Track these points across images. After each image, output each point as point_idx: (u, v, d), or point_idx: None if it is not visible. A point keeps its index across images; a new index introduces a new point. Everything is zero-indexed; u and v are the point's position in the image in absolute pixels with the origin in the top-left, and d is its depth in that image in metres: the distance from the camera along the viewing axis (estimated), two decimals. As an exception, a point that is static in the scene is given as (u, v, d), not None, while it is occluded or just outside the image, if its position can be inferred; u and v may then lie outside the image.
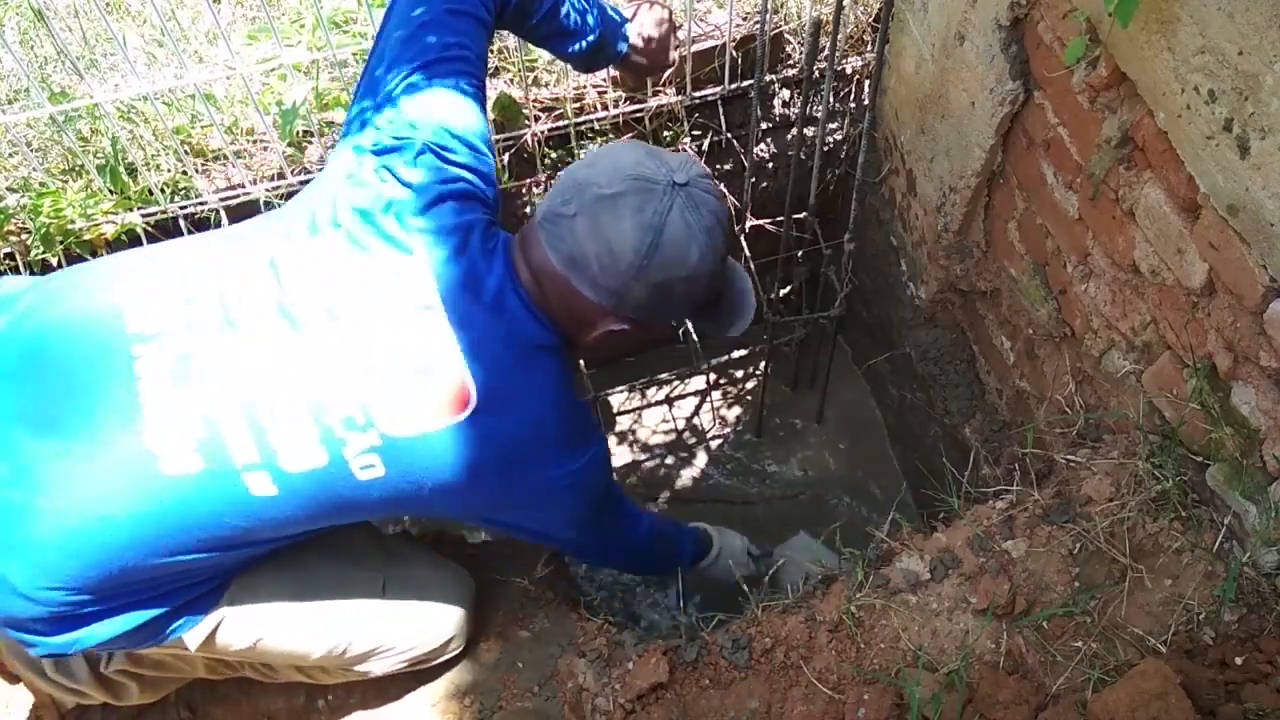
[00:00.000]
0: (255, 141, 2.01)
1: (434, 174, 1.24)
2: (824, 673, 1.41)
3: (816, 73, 1.97)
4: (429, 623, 1.49)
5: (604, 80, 2.08)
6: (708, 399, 2.80)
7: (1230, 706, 1.23)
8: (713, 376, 2.80)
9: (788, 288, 2.43)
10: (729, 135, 2.18)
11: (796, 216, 2.15)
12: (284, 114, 1.87)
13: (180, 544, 1.12)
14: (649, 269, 1.19)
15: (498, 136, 2.02)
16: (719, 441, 2.74)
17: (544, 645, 1.61)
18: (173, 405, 1.09)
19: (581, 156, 2.10)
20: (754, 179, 2.22)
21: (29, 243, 1.85)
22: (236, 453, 1.10)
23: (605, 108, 2.06)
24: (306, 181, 1.94)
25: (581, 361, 2.04)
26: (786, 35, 2.13)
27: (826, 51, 1.88)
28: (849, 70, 2.19)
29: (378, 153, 1.25)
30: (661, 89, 2.10)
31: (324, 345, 1.14)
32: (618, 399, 2.78)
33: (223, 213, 1.94)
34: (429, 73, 1.30)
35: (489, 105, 1.93)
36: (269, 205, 1.94)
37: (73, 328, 1.14)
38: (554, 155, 2.11)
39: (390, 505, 1.23)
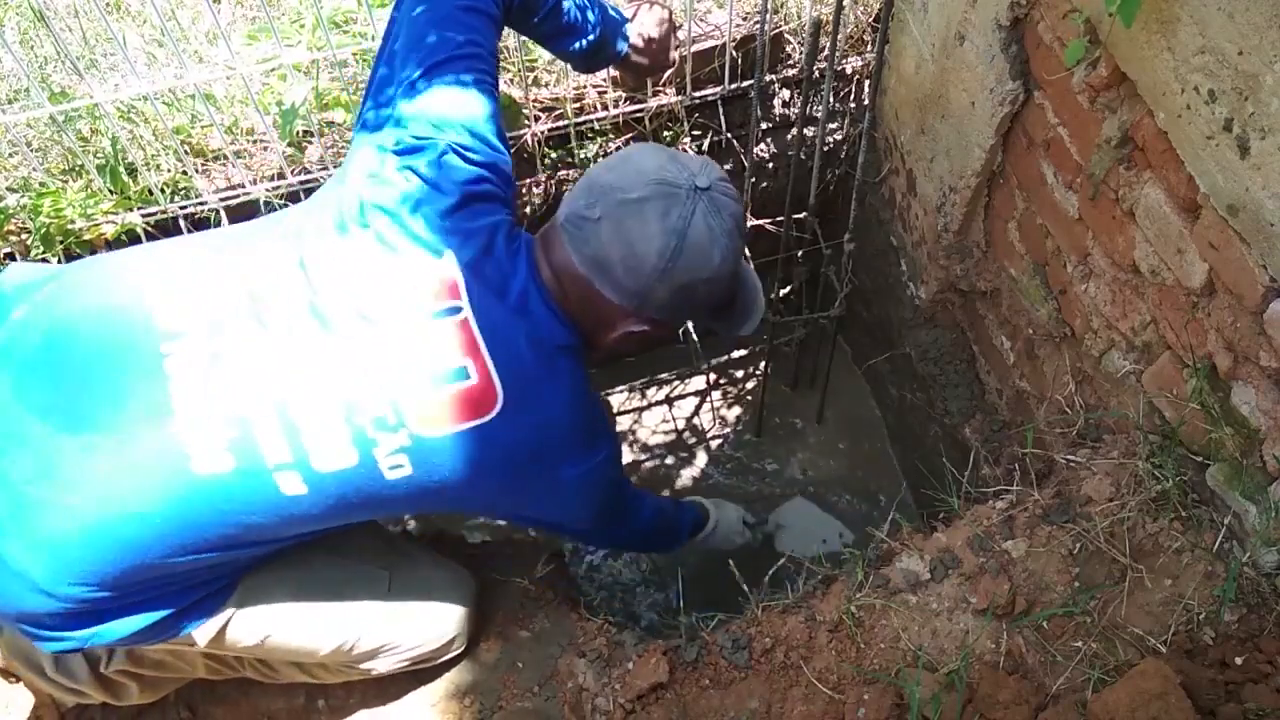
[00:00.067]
0: (255, 141, 2.01)
1: (458, 175, 1.26)
2: (824, 673, 1.41)
3: (816, 73, 1.97)
4: (433, 621, 1.50)
5: (604, 80, 2.08)
6: (708, 399, 2.80)
7: (1230, 706, 1.23)
8: (713, 376, 2.81)
9: (788, 288, 2.43)
10: (729, 135, 2.18)
11: (796, 216, 2.15)
12: (284, 114, 1.87)
13: (205, 541, 1.12)
14: (673, 272, 1.21)
15: (498, 136, 2.02)
16: (719, 441, 2.74)
17: (544, 645, 1.61)
18: (205, 405, 1.10)
19: (579, 156, 2.10)
20: (754, 179, 2.22)
21: (29, 243, 1.85)
22: (269, 452, 1.11)
23: (605, 108, 2.06)
24: (307, 182, 1.95)
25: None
26: (786, 35, 2.13)
27: (826, 51, 1.88)
28: (849, 70, 2.19)
29: (400, 152, 1.25)
30: (661, 89, 2.10)
31: (355, 346, 1.15)
32: (618, 399, 2.78)
33: (223, 213, 1.94)
34: (445, 70, 1.30)
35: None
36: (269, 205, 1.94)
37: (97, 322, 1.14)
38: (554, 155, 2.11)
39: (411, 503, 1.25)
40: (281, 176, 1.95)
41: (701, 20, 2.07)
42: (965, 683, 1.34)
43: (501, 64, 2.04)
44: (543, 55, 2.06)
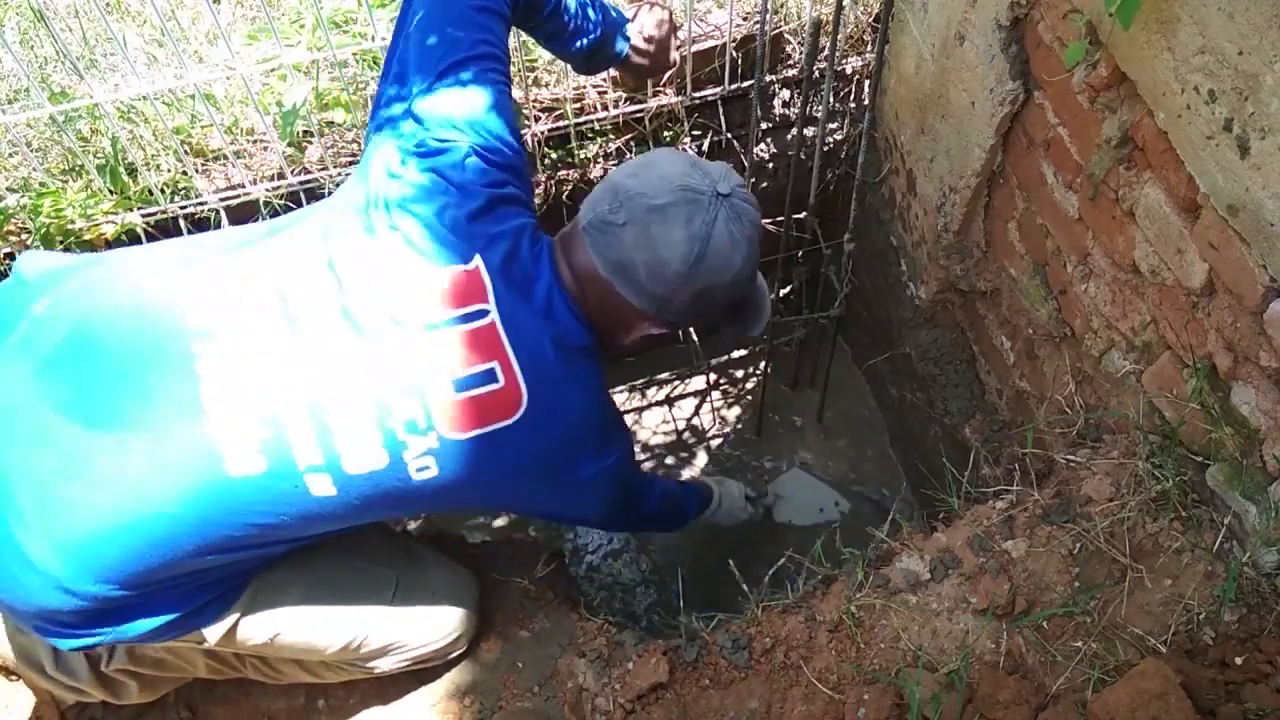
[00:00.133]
0: (255, 141, 2.01)
1: (482, 178, 1.26)
2: (824, 673, 1.41)
3: (816, 73, 1.97)
4: (439, 622, 1.51)
5: (604, 80, 2.08)
6: (708, 399, 2.80)
7: (1230, 706, 1.23)
8: (713, 376, 2.81)
9: (788, 288, 2.43)
10: (729, 135, 2.18)
11: (796, 216, 2.15)
12: (284, 114, 1.88)
13: (229, 541, 1.13)
14: (695, 277, 1.23)
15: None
16: (719, 441, 2.74)
17: (544, 645, 1.61)
18: (237, 406, 1.10)
19: (579, 156, 2.10)
20: (754, 179, 2.22)
21: (29, 243, 1.85)
22: (300, 454, 1.11)
23: (605, 108, 2.06)
24: (307, 182, 1.95)
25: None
26: (786, 35, 2.13)
27: (826, 51, 1.88)
28: (849, 70, 2.19)
29: (423, 154, 1.26)
30: (662, 89, 2.10)
31: (386, 349, 1.15)
32: (618, 399, 2.78)
33: (223, 213, 1.94)
34: (462, 70, 1.31)
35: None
36: (269, 205, 1.94)
37: (125, 319, 1.13)
38: (554, 155, 2.11)
39: (433, 503, 1.26)
40: (281, 176, 1.95)
41: (701, 20, 2.07)
42: (965, 683, 1.34)
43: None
44: (543, 55, 2.06)
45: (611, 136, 2.11)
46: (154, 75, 2.01)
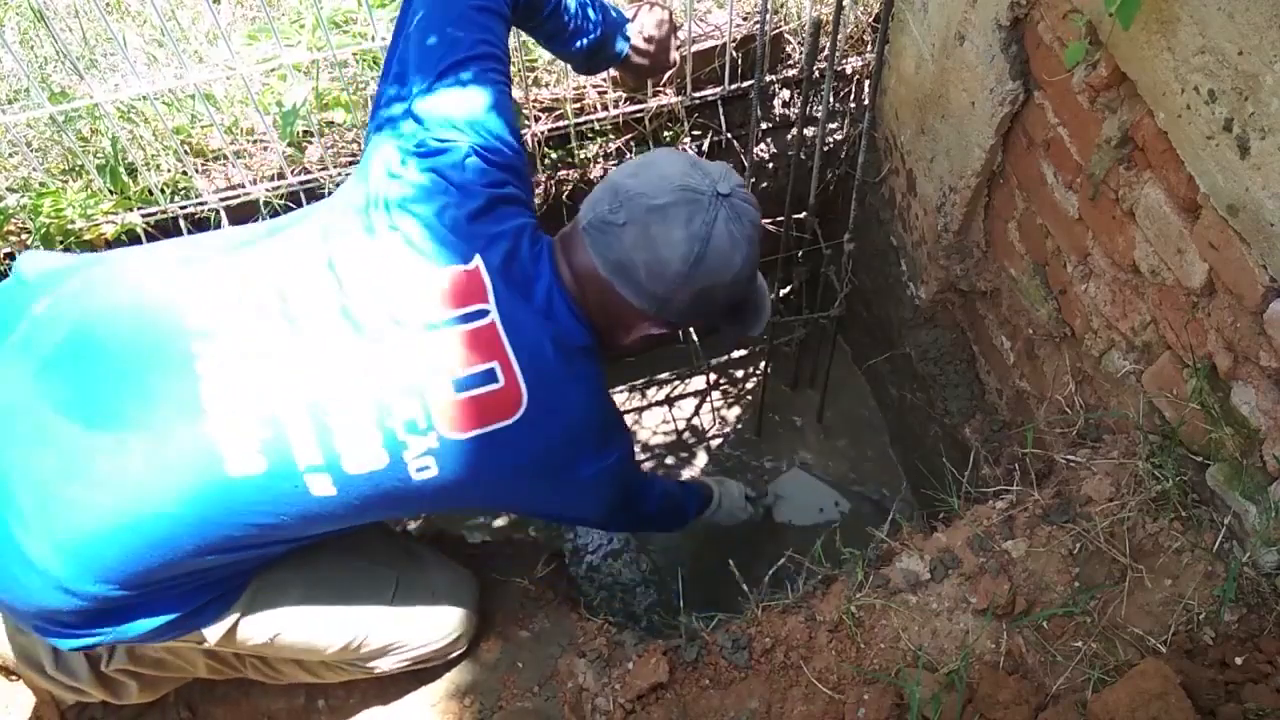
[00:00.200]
0: (255, 141, 2.01)
1: (483, 178, 1.26)
2: (824, 673, 1.41)
3: (816, 73, 1.97)
4: (439, 622, 1.51)
5: (604, 80, 2.08)
6: (708, 399, 2.80)
7: (1230, 706, 1.23)
8: (713, 376, 2.81)
9: (788, 288, 2.43)
10: (729, 135, 2.18)
11: (796, 216, 2.15)
12: (284, 114, 1.88)
13: (229, 541, 1.13)
14: (695, 277, 1.23)
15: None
16: (719, 441, 2.74)
17: (544, 645, 1.61)
18: (237, 406, 1.10)
19: (579, 156, 2.10)
20: (754, 179, 2.22)
21: (29, 243, 1.85)
22: (300, 454, 1.11)
23: (605, 108, 2.06)
24: (307, 182, 1.95)
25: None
26: (786, 35, 2.13)
27: (826, 51, 1.88)
28: (849, 70, 2.19)
29: (423, 154, 1.26)
30: (662, 89, 2.10)
31: (387, 349, 1.15)
32: (618, 399, 2.78)
33: (223, 213, 1.94)
34: (462, 70, 1.31)
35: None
36: (269, 205, 1.94)
37: (125, 319, 1.13)
38: (554, 155, 2.11)
39: (433, 503, 1.26)
40: (281, 176, 1.95)
41: (701, 20, 2.07)
42: (965, 683, 1.34)
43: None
44: (543, 55, 2.06)
45: (611, 136, 2.11)
46: (154, 75, 2.01)
